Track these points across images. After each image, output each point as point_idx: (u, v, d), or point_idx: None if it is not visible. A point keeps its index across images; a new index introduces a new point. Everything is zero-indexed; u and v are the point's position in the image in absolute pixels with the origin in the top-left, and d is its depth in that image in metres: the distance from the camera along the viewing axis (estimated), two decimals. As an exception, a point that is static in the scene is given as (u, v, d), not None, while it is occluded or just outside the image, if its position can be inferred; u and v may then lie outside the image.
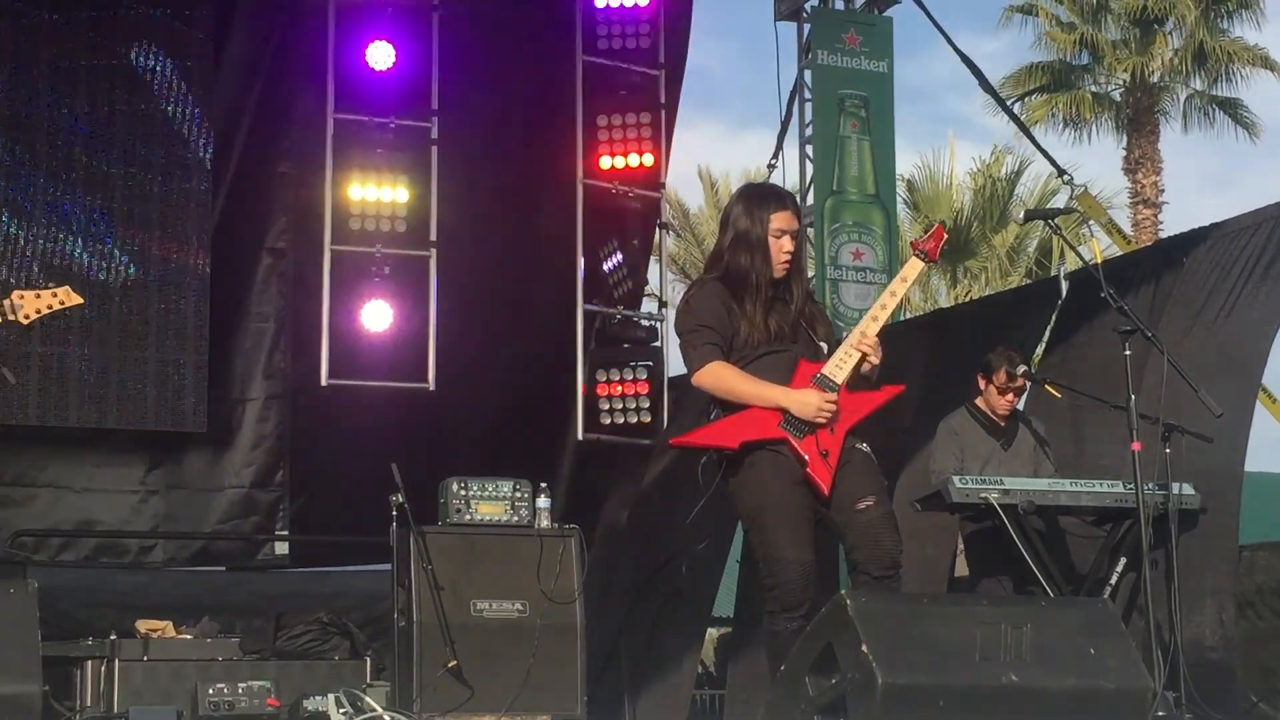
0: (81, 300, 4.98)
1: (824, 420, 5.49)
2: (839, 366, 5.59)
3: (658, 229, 9.93)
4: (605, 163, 9.59)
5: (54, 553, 9.21)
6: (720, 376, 5.60)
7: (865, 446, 5.63)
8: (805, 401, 5.49)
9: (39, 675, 3.81)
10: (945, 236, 5.93)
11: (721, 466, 5.62)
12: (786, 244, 5.68)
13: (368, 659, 7.56)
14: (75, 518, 9.33)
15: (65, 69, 9.25)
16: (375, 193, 9.09)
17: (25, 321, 4.86)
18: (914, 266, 5.83)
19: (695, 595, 9.22)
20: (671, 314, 9.88)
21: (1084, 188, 11.48)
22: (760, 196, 5.85)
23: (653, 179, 9.74)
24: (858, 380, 5.65)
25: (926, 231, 5.93)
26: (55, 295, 4.91)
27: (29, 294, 4.88)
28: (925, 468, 8.11)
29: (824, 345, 5.72)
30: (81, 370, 9.16)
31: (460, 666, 6.87)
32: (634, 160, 9.65)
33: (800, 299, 5.78)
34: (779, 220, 5.68)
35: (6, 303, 4.85)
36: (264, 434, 9.74)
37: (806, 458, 5.47)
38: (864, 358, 5.59)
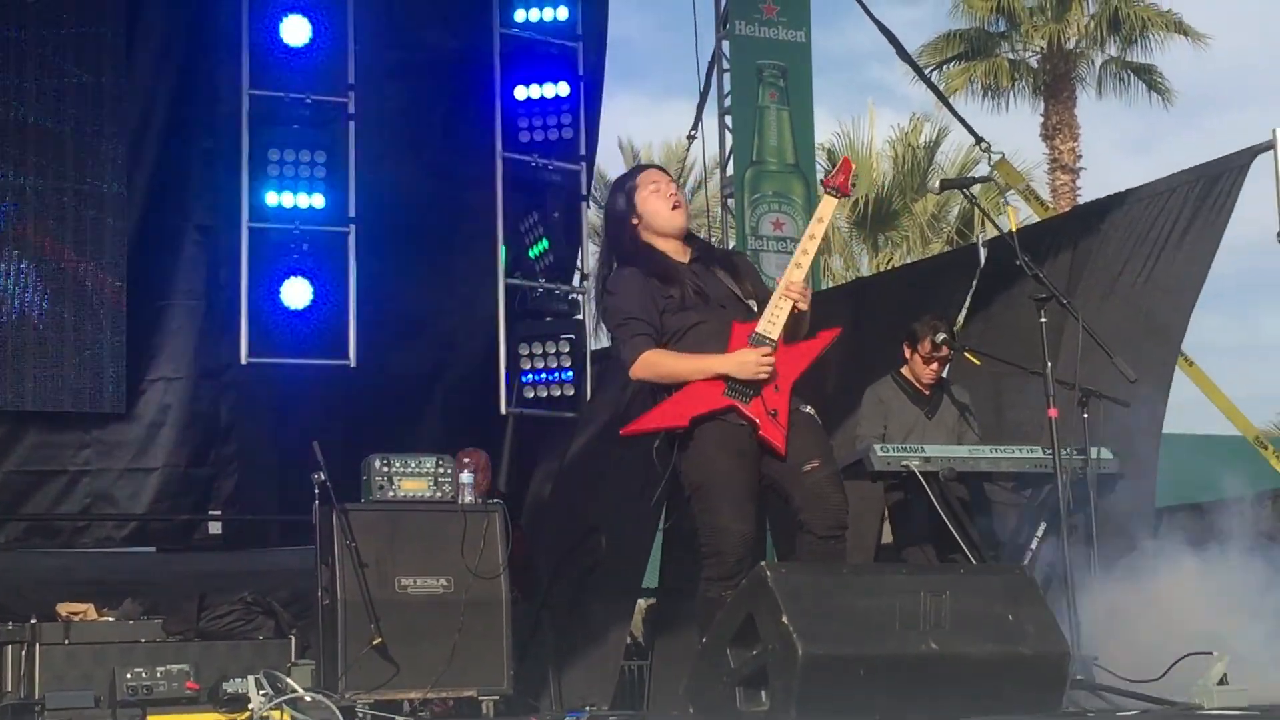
0: None
1: (764, 375, 5.48)
2: (772, 321, 5.56)
3: (580, 201, 9.92)
4: (524, 136, 9.57)
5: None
6: (655, 365, 5.58)
7: (809, 409, 5.64)
8: (743, 362, 5.48)
9: (-48, 665, 3.78)
10: (854, 168, 5.85)
11: (673, 446, 5.62)
12: (667, 189, 5.75)
13: (292, 638, 7.52)
14: (4, 499, 9.19)
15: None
16: (293, 169, 9.04)
17: None
18: (828, 205, 5.77)
19: (623, 567, 9.22)
20: (594, 286, 9.91)
21: (1001, 155, 11.54)
22: (622, 176, 5.96)
23: (573, 151, 9.72)
24: (793, 333, 5.63)
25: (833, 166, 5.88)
26: None
27: None
28: (850, 436, 8.15)
29: (753, 303, 5.69)
30: (-2, 351, 9.06)
31: (385, 644, 6.85)
32: (553, 133, 9.63)
33: (719, 260, 5.81)
34: (649, 177, 5.78)
35: None
36: (197, 412, 9.64)
37: (757, 421, 5.48)
38: (795, 306, 5.57)
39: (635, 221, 5.74)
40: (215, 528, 9.65)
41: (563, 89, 9.62)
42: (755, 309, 5.66)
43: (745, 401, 5.49)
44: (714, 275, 5.73)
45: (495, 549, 7.22)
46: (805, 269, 5.67)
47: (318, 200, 9.04)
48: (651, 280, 5.63)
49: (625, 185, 5.82)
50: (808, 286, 5.66)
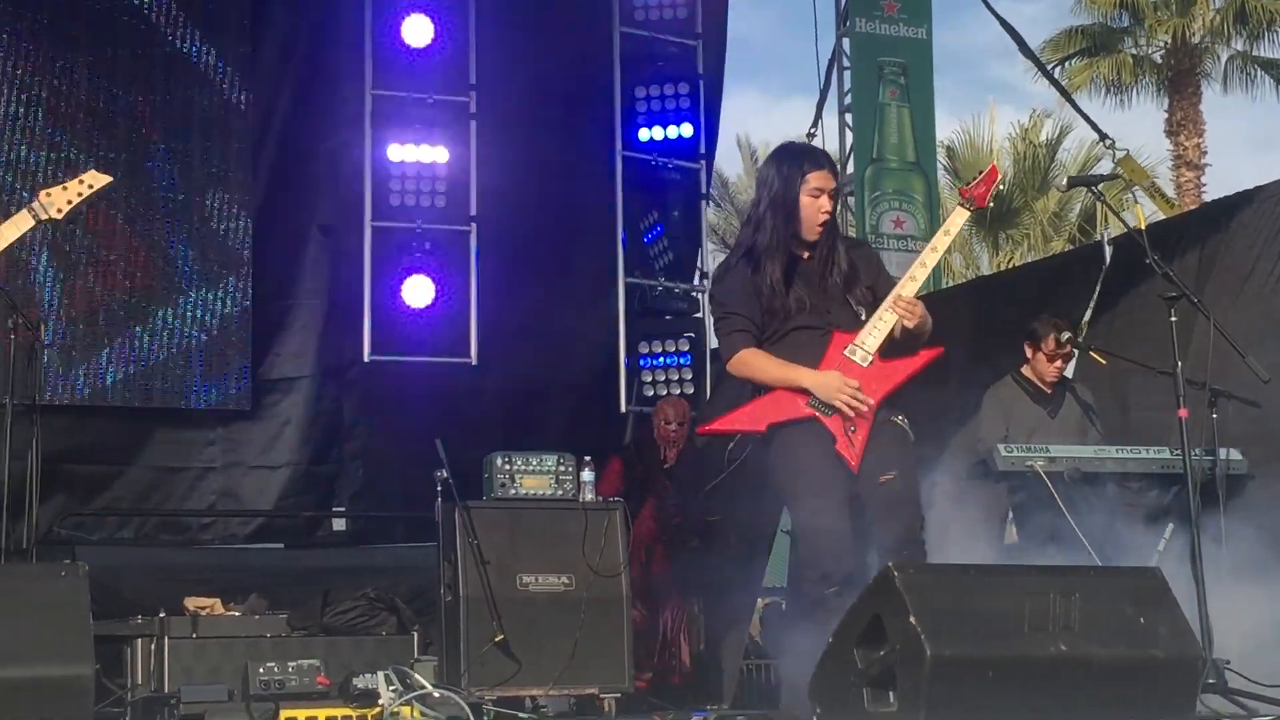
0: (110, 178, 4.92)
1: (842, 404, 5.41)
2: (872, 334, 5.49)
3: (700, 200, 9.92)
4: (644, 134, 9.61)
5: (112, 530, 9.24)
6: (748, 364, 5.56)
7: (901, 419, 5.56)
8: (827, 384, 5.43)
9: (91, 657, 3.83)
10: (999, 177, 5.74)
11: (746, 448, 5.61)
12: (824, 203, 5.55)
13: (415, 634, 7.58)
14: (132, 495, 9.33)
15: (106, 56, 9.25)
16: (415, 168, 9.12)
17: (60, 215, 4.84)
18: (959, 216, 5.71)
19: (742, 566, 9.20)
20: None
21: (1126, 152, 11.39)
22: (794, 155, 5.68)
23: (692, 150, 9.72)
24: (897, 345, 5.55)
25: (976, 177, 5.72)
26: (82, 182, 4.88)
27: (55, 189, 4.88)
28: (971, 437, 8.06)
29: (862, 311, 5.59)
30: (127, 349, 9.18)
31: (507, 640, 6.87)
32: (672, 131, 9.66)
33: (839, 262, 5.63)
34: (815, 179, 5.55)
35: (35, 205, 4.83)
36: (320, 410, 9.71)
37: (834, 436, 5.44)
38: (899, 322, 5.49)
39: (785, 209, 5.56)
40: (339, 524, 9.72)
41: (682, 86, 9.63)
42: (863, 317, 5.58)
43: (827, 414, 5.44)
44: (829, 280, 5.62)
45: (616, 547, 7.23)
46: (919, 283, 5.56)
47: (439, 200, 9.12)
48: (760, 278, 5.54)
49: (796, 171, 5.57)
50: (918, 303, 5.53)
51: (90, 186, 4.87)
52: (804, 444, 5.46)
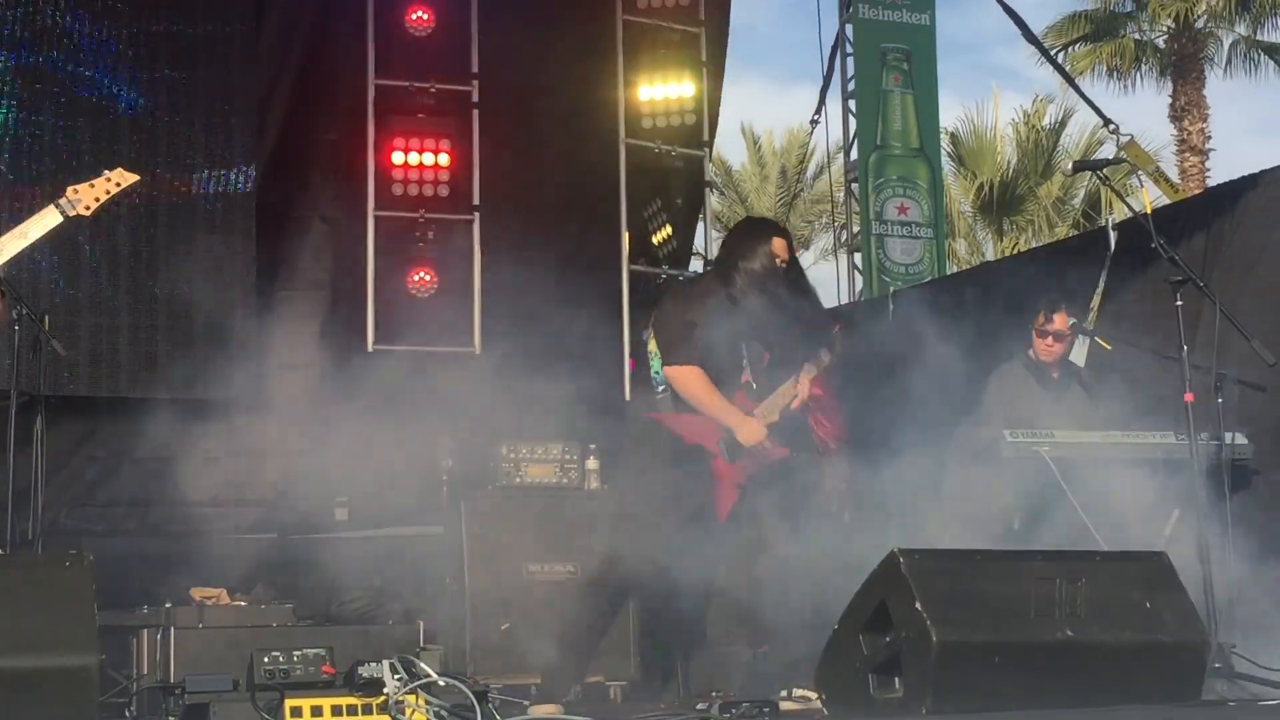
0: (137, 177, 4.90)
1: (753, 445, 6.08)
2: (768, 409, 6.16)
3: (703, 188, 9.88)
4: (648, 123, 9.57)
5: (117, 522, 9.22)
6: (691, 382, 6.12)
7: None
8: (750, 434, 6.06)
9: (96, 648, 3.83)
10: None
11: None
12: (775, 267, 6.31)
13: (420, 623, 7.56)
14: (136, 486, 9.30)
15: (106, 38, 9.22)
16: (418, 158, 9.10)
17: (88, 213, 4.80)
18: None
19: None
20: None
21: (1130, 137, 11.38)
22: (764, 227, 6.69)
23: (696, 138, 9.69)
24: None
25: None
26: (109, 179, 4.85)
27: (83, 186, 4.83)
28: (976, 422, 8.04)
29: (753, 383, 6.23)
30: (130, 340, 9.16)
31: (512, 629, 6.87)
32: (676, 120, 9.62)
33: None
34: (780, 246, 6.36)
35: (63, 201, 4.78)
36: (324, 400, 9.68)
37: (722, 480, 6.04)
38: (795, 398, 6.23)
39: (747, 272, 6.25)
40: (341, 514, 9.69)
41: (686, 74, 9.60)
42: (754, 388, 6.23)
43: (729, 460, 6.04)
44: (755, 342, 6.27)
45: (622, 535, 7.20)
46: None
47: (442, 189, 9.09)
48: (720, 305, 6.18)
49: (763, 241, 6.38)
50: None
51: (118, 185, 4.85)
52: (698, 476, 6.08)
